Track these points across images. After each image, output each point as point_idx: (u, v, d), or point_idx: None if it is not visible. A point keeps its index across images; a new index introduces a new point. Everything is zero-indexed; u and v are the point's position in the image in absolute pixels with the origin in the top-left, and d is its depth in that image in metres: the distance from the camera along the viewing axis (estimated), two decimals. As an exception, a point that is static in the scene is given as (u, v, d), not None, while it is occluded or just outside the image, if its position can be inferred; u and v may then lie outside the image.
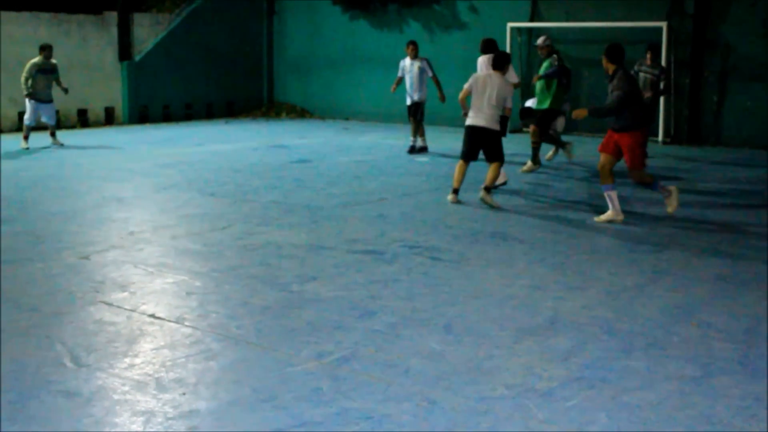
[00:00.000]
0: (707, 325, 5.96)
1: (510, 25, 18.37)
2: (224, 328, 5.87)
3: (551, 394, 4.73)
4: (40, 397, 4.70)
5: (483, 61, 11.68)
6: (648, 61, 13.94)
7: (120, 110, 20.81)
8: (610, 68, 9.47)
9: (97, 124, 20.33)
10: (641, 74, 14.00)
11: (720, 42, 16.73)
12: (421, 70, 15.01)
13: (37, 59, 15.96)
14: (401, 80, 15.36)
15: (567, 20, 18.16)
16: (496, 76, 10.36)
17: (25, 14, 19.20)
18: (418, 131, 15.32)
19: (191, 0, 21.95)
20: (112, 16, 20.73)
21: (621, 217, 9.41)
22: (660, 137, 16.77)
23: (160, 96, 21.33)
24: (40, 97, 15.95)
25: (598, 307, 6.34)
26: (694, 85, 16.98)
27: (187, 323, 5.95)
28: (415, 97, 15.11)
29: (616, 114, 9.34)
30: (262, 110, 23.17)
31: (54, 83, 16.15)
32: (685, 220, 9.55)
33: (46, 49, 16.06)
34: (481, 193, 10.19)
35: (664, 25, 16.77)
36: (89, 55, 20.28)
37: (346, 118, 21.88)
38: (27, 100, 15.99)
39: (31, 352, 5.40)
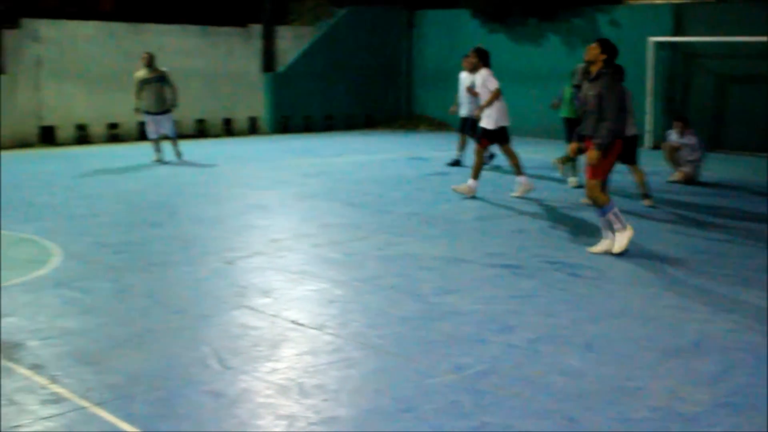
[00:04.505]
0: None
1: (651, 39, 17.96)
2: (364, 336, 5.94)
3: (696, 419, 4.60)
4: (188, 396, 4.87)
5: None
6: None
7: (263, 120, 21.38)
8: (599, 66, 8.31)
9: (241, 133, 20.95)
10: None
11: None
12: (473, 84, 14.61)
13: (140, 72, 15.17)
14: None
15: (713, 34, 17.61)
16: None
17: (176, 27, 19.98)
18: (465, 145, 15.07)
19: (332, 13, 22.37)
20: (257, 29, 21.34)
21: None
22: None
23: (301, 107, 21.78)
24: (150, 109, 15.14)
25: (746, 331, 6.12)
26: None
27: (328, 331, 6.05)
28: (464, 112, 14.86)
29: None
30: (400, 122, 23.32)
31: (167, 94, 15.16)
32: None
33: (144, 59, 15.19)
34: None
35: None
36: (234, 67, 20.93)
37: (484, 132, 21.78)
38: (143, 114, 15.34)
39: (179, 352, 5.60)
